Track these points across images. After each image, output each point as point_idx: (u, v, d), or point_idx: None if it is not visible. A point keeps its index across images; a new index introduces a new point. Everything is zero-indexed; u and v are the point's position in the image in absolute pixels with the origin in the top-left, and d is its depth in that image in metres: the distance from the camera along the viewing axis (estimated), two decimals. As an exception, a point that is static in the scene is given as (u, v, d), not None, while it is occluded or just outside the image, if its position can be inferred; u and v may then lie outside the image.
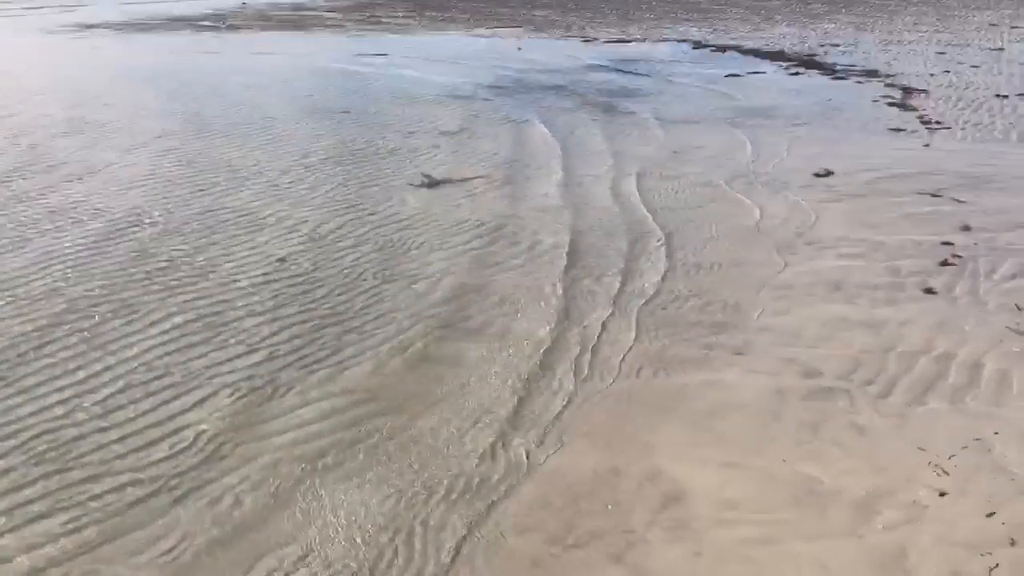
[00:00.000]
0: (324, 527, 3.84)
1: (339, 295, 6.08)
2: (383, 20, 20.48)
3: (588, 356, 5.33)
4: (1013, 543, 3.68)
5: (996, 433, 4.42)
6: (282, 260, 6.61)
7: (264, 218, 7.41)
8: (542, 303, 6.03)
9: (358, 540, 3.77)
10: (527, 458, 4.34)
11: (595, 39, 17.46)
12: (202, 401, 4.75)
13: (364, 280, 6.31)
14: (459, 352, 5.35)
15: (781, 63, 14.93)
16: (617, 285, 6.31)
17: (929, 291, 6.09)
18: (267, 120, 10.60)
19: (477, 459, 4.32)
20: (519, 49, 16.45)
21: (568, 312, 5.91)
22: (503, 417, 4.68)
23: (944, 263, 6.52)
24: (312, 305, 5.92)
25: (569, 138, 10.28)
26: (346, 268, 6.50)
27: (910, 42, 16.23)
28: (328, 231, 7.20)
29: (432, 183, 8.50)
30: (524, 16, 20.77)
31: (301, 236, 7.09)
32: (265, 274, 6.36)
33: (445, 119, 11.13)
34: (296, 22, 20.48)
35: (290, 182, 8.33)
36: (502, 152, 9.61)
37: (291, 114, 11.01)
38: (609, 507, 3.97)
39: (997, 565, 3.56)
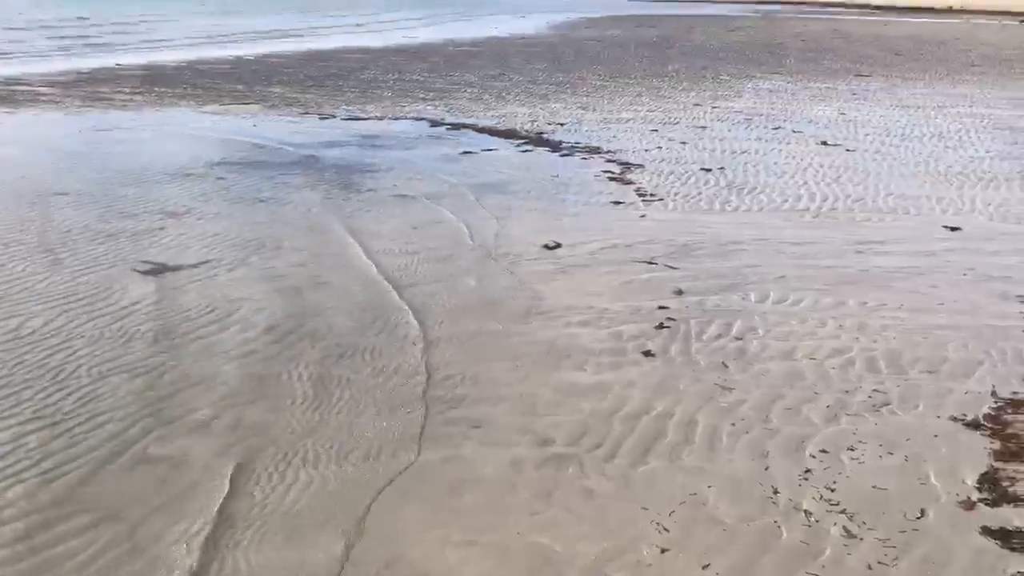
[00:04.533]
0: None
1: (48, 396, 5.55)
2: (107, 96, 19.34)
3: (327, 441, 5.19)
4: (727, 590, 3.93)
5: (709, 487, 4.75)
6: (-20, 361, 5.95)
7: (-41, 315, 6.67)
8: (278, 391, 5.83)
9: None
10: (247, 563, 4.12)
11: (333, 116, 17.45)
12: None
13: (77, 378, 5.80)
14: (183, 450, 5.02)
15: (513, 140, 15.60)
16: (358, 365, 6.23)
17: (648, 354, 6.51)
18: (-33, 205, 9.64)
19: (197, 567, 4.04)
20: (254, 126, 16.12)
21: (306, 395, 5.74)
22: (230, 516, 4.43)
23: (660, 326, 7.02)
24: (15, 410, 5.36)
25: (306, 216, 10.14)
26: (56, 366, 5.96)
27: (627, 120, 17.58)
28: (36, 327, 6.59)
29: (156, 269, 8.04)
30: (259, 93, 20.41)
31: (5, 334, 6.44)
32: (-42, 378, 5.70)
33: (173, 199, 10.63)
34: (6, 97, 18.92)
35: (-8, 273, 7.58)
36: (233, 233, 9.30)
37: (-4, 198, 10.09)
38: (345, 602, 3.84)
39: (714, 614, 3.78)
